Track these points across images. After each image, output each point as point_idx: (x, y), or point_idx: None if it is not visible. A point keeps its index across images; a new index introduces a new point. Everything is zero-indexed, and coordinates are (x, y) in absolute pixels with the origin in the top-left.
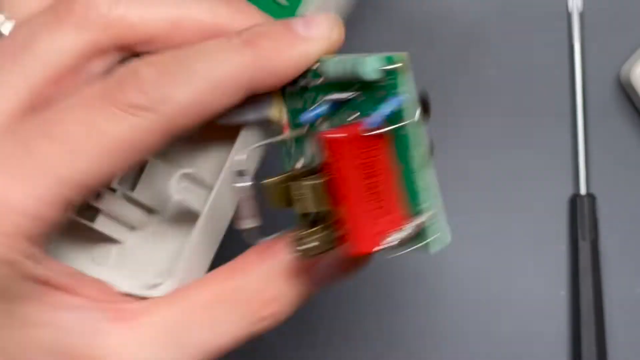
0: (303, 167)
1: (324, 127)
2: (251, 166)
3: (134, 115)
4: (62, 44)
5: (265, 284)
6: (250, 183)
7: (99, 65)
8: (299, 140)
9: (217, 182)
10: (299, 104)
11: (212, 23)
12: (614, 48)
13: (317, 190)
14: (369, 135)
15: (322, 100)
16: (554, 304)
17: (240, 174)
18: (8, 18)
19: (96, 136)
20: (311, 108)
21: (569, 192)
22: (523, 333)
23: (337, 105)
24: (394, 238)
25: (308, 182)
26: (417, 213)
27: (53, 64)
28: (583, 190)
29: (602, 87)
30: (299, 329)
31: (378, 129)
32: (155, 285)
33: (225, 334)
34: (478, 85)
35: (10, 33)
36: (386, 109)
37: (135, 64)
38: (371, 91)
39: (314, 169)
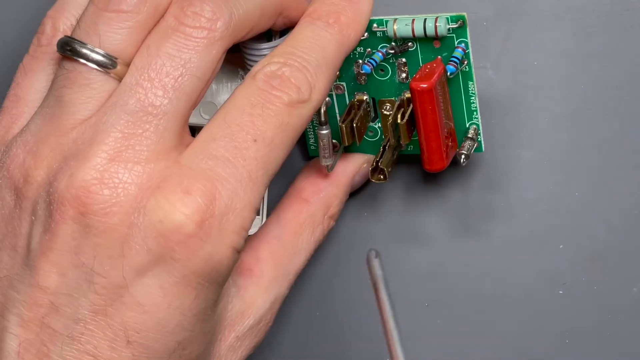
0: (357, 108)
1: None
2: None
3: (301, 108)
4: (210, 59)
5: (331, 200)
6: (329, 130)
7: (220, 63)
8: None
9: None
10: None
11: (296, 9)
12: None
13: (400, 128)
14: (440, 78)
15: (369, 51)
16: (553, 304)
17: (322, 124)
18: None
19: (285, 131)
20: (368, 59)
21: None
22: (522, 333)
23: (386, 55)
24: (462, 153)
25: (391, 123)
26: (463, 129)
27: (207, 78)
28: None
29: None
30: (298, 328)
31: (454, 73)
32: None
33: (306, 253)
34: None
35: (144, 59)
36: (458, 55)
37: (271, 69)
38: (424, 42)
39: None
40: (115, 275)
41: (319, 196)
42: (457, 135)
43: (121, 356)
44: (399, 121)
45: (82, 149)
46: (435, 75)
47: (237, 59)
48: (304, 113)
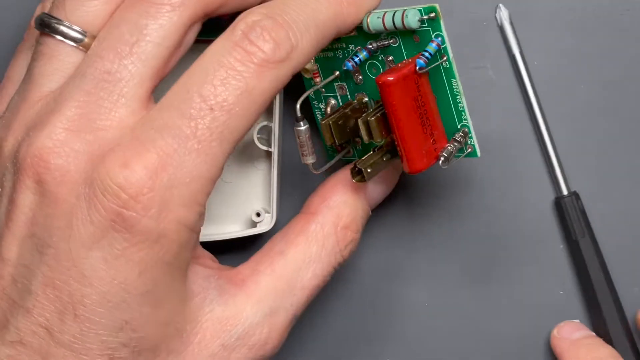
0: (345, 108)
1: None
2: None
3: (275, 69)
4: (170, 25)
5: (340, 208)
6: (307, 126)
7: (192, 34)
8: (328, 85)
9: (276, 126)
10: (328, 54)
11: None
12: None
13: (370, 124)
14: (414, 74)
15: (359, 48)
16: (553, 303)
17: (298, 120)
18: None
19: (250, 97)
20: (352, 56)
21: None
22: (523, 333)
23: (372, 52)
24: (441, 155)
25: (362, 119)
26: (454, 131)
27: (169, 44)
28: (565, 191)
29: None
30: (301, 331)
31: (424, 68)
32: (256, 223)
33: (316, 267)
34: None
35: (106, 30)
36: (430, 50)
37: (253, 19)
38: (405, 38)
39: (359, 108)
40: (63, 247)
41: (325, 205)
42: (450, 137)
43: (70, 329)
44: (369, 118)
45: (43, 119)
46: (406, 69)
47: None
48: (279, 75)
